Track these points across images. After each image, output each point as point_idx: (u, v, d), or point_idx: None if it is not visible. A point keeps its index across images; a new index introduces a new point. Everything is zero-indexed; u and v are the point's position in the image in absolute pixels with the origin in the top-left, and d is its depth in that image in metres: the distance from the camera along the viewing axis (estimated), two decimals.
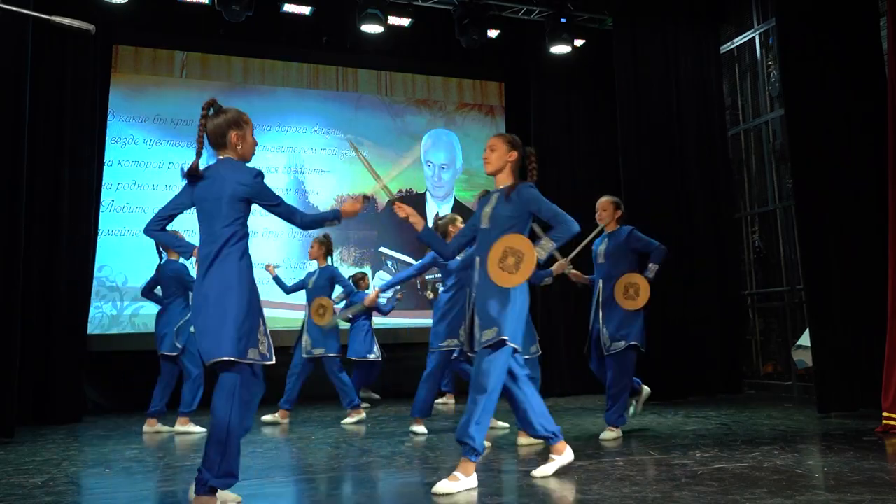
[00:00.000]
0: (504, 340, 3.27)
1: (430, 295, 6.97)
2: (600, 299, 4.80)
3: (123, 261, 7.42)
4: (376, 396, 7.53)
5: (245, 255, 3.00)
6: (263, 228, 7.96)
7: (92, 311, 6.95)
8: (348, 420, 5.87)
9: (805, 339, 6.08)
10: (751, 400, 6.81)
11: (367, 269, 8.10)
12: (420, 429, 5.12)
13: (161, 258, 5.84)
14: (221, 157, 3.12)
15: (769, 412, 5.71)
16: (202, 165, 3.10)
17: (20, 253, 5.31)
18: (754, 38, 7.65)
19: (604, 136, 8.19)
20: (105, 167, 7.20)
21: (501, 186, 3.59)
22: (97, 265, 7.10)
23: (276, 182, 8.10)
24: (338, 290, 6.30)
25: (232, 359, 2.86)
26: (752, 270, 7.67)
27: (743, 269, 7.72)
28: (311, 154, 8.25)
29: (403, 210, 3.62)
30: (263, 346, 3.00)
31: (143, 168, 7.66)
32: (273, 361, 3.03)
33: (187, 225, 7.88)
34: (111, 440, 5.12)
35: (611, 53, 7.68)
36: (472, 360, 3.46)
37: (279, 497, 3.34)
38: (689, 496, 2.91)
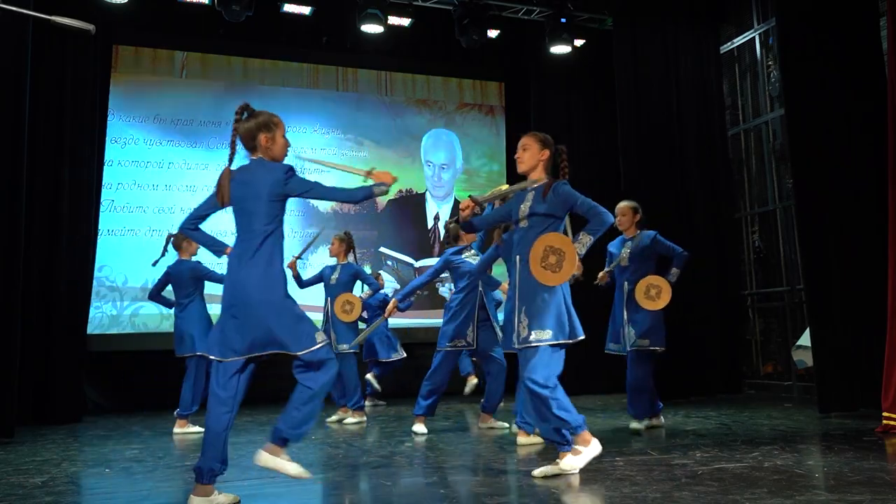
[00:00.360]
0: (558, 343, 3.39)
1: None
2: (625, 300, 4.97)
3: (123, 261, 7.42)
4: (382, 403, 7.51)
5: (281, 252, 3.14)
6: None
7: (92, 311, 6.95)
8: (350, 420, 5.86)
9: (805, 339, 6.08)
10: (751, 400, 6.81)
11: (367, 270, 8.10)
12: (420, 428, 5.12)
13: (161, 257, 5.68)
14: (254, 158, 3.20)
15: (769, 412, 5.71)
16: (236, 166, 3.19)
17: (20, 253, 5.31)
18: (754, 38, 7.65)
19: (604, 136, 8.19)
20: (105, 167, 7.21)
21: (537, 185, 3.64)
22: (97, 265, 7.10)
23: None
24: (362, 288, 6.31)
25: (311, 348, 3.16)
26: (752, 270, 7.67)
27: (743, 269, 7.72)
28: (311, 154, 8.24)
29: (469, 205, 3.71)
30: None
31: (143, 168, 7.66)
32: None
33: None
34: (111, 440, 5.12)
35: (611, 53, 7.69)
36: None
37: (279, 497, 3.34)
38: (689, 496, 2.91)
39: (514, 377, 6.98)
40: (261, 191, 3.07)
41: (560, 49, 7.81)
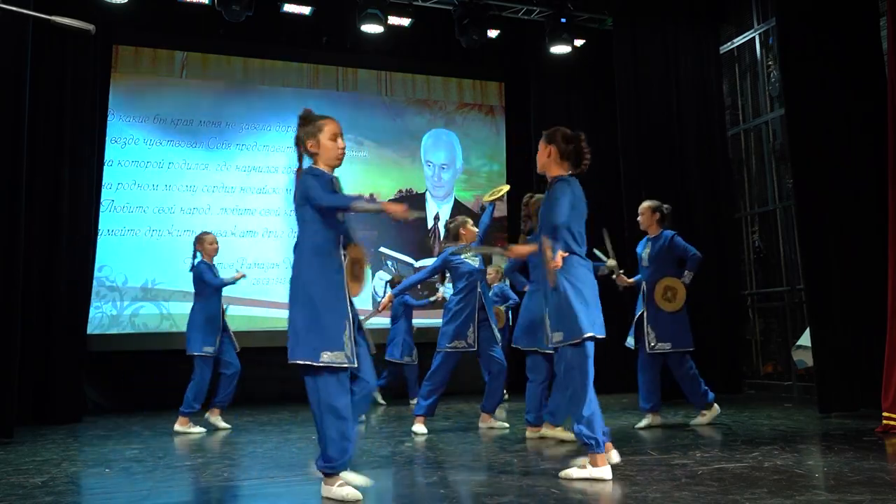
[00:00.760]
0: (585, 338, 3.36)
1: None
2: (645, 300, 5.11)
3: (123, 261, 7.42)
4: (383, 403, 7.51)
5: (318, 255, 3.15)
6: (263, 228, 7.97)
7: (92, 311, 6.95)
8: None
9: (805, 339, 6.08)
10: (751, 400, 6.81)
11: (367, 270, 8.10)
12: (421, 428, 5.12)
13: (194, 258, 5.78)
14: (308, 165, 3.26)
15: (769, 412, 5.71)
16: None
17: (20, 253, 5.31)
18: (754, 38, 7.65)
19: (604, 136, 8.18)
20: (105, 167, 7.20)
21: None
22: (97, 265, 7.10)
23: (276, 182, 8.11)
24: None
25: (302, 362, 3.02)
26: (752, 270, 7.67)
27: (743, 269, 7.71)
28: None
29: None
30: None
31: (143, 168, 7.66)
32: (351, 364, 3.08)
33: (188, 225, 7.92)
34: (111, 440, 5.12)
35: (611, 53, 7.69)
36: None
37: (279, 497, 3.34)
38: (689, 496, 2.91)
39: (514, 376, 7.01)
40: (295, 197, 3.19)
41: (560, 49, 7.81)
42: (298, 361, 2.99)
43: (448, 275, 5.47)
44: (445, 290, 5.71)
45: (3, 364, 5.08)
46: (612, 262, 4.71)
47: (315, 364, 2.97)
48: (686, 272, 5.09)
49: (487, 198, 5.65)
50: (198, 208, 7.79)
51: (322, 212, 3.11)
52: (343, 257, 3.17)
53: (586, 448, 3.35)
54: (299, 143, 3.29)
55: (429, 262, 8.26)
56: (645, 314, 5.09)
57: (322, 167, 3.24)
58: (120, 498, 3.30)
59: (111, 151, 7.43)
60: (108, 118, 7.32)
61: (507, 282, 7.70)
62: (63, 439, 5.20)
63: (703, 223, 7.47)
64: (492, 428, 5.27)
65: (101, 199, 7.10)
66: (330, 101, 8.38)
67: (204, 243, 5.79)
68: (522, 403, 5.00)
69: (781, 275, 7.24)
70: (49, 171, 6.53)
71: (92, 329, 7.03)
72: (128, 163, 7.61)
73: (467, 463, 3.92)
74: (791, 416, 5.44)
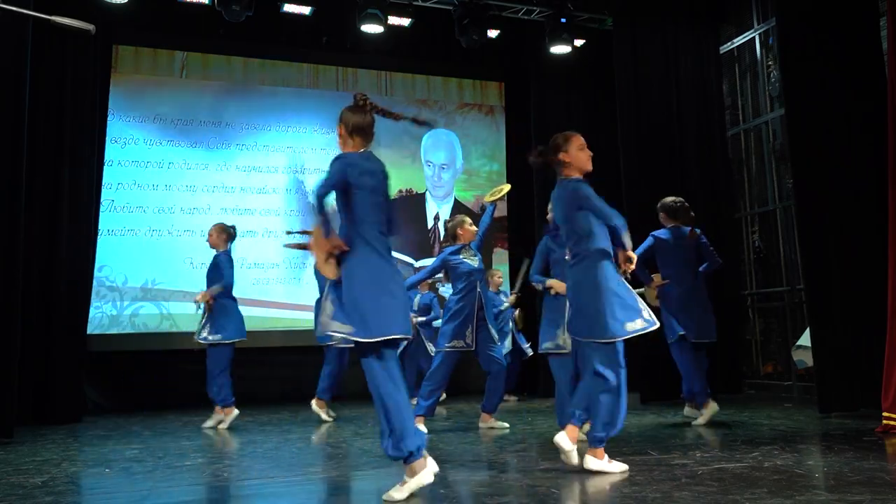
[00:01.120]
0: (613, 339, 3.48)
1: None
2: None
3: (123, 261, 7.42)
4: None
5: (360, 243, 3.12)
6: (263, 229, 7.97)
7: (92, 311, 6.95)
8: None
9: (805, 339, 6.08)
10: (751, 400, 6.81)
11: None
12: (421, 428, 5.11)
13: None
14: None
15: (769, 412, 5.71)
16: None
17: (20, 253, 5.30)
18: (754, 38, 7.65)
19: (604, 136, 8.18)
20: (105, 167, 7.21)
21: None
22: (97, 265, 7.10)
23: (276, 182, 8.11)
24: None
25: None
26: (752, 270, 7.67)
27: (743, 269, 7.71)
28: (311, 154, 8.24)
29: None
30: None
31: (143, 168, 7.66)
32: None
33: (188, 225, 7.93)
34: (111, 440, 5.12)
35: (611, 53, 7.68)
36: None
37: (279, 497, 3.34)
38: (689, 496, 2.91)
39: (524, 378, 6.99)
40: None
41: (560, 49, 7.81)
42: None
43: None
44: (445, 289, 5.71)
45: (3, 364, 5.08)
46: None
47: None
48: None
49: (488, 198, 5.66)
50: (198, 208, 7.78)
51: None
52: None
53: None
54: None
55: (429, 262, 8.27)
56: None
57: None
58: (120, 498, 3.30)
59: (111, 151, 7.43)
60: (108, 118, 7.32)
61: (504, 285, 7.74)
62: (63, 439, 5.20)
63: (703, 223, 7.45)
64: (492, 428, 5.27)
65: (101, 199, 7.10)
66: (330, 101, 8.37)
67: (220, 233, 5.93)
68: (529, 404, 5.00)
69: (781, 275, 7.24)
70: (49, 171, 6.53)
71: (92, 329, 7.03)
72: (128, 163, 7.61)
73: (467, 463, 3.92)
74: (791, 416, 5.44)
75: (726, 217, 7.64)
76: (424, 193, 8.74)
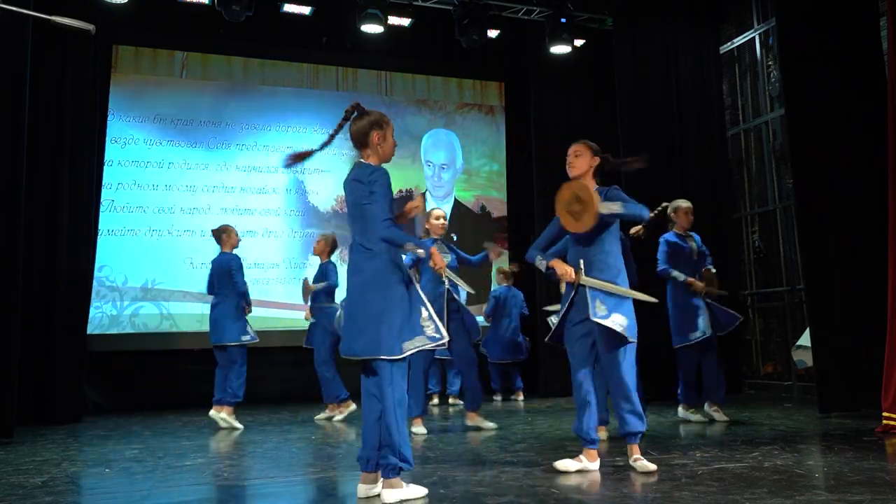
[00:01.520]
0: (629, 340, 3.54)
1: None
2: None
3: (123, 261, 7.42)
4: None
5: (387, 254, 3.13)
6: (263, 228, 7.97)
7: (92, 311, 6.95)
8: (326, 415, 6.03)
9: (805, 339, 6.08)
10: (751, 400, 6.81)
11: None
12: (420, 429, 5.11)
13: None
14: (361, 159, 3.26)
15: (769, 412, 5.71)
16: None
17: (20, 253, 5.30)
18: (754, 38, 7.65)
19: (604, 136, 8.14)
20: (105, 167, 7.20)
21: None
22: (97, 265, 7.10)
23: (276, 182, 8.11)
24: None
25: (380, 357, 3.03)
26: (752, 270, 7.67)
27: (743, 269, 7.71)
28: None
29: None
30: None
31: (143, 168, 7.66)
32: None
33: (188, 225, 7.93)
34: (111, 440, 5.12)
35: (611, 53, 7.69)
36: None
37: (279, 497, 3.34)
38: (689, 496, 2.91)
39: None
40: (354, 196, 3.17)
41: (560, 49, 7.81)
42: (383, 357, 3.02)
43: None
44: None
45: (3, 364, 5.08)
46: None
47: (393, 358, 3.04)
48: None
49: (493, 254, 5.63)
50: (198, 208, 7.79)
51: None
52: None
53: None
54: (361, 132, 3.27)
55: None
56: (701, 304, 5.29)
57: (374, 160, 3.25)
58: (120, 498, 3.30)
59: (111, 151, 7.42)
60: (108, 118, 7.32)
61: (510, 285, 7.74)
62: (63, 439, 5.20)
63: (703, 223, 7.45)
64: (480, 428, 5.23)
65: (101, 199, 7.10)
66: (330, 101, 8.38)
67: (232, 234, 5.98)
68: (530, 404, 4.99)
69: (781, 275, 7.24)
70: (49, 171, 6.53)
71: (92, 329, 7.03)
72: (128, 163, 7.61)
73: (467, 463, 3.92)
74: (791, 416, 5.44)
75: (726, 217, 7.64)
76: (424, 193, 8.73)
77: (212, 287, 5.96)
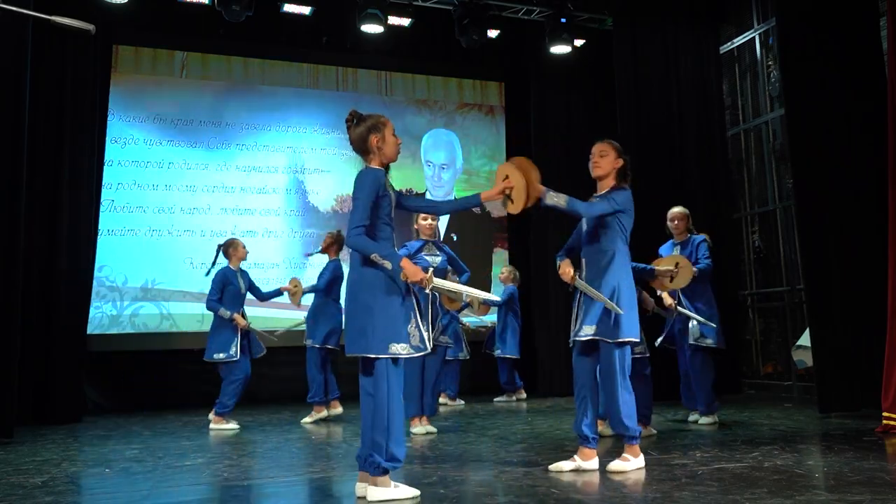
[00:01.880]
0: (626, 341, 3.55)
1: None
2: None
3: (123, 261, 7.42)
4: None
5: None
6: (263, 229, 7.97)
7: (92, 311, 6.95)
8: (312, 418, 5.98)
9: (805, 339, 6.08)
10: (751, 400, 6.81)
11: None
12: (419, 429, 5.11)
13: (212, 267, 5.91)
14: (365, 165, 3.25)
15: (769, 412, 5.71)
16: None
17: (20, 253, 5.30)
18: (754, 38, 7.65)
19: (604, 136, 8.10)
20: (105, 167, 7.20)
21: (604, 191, 3.78)
22: (97, 265, 7.09)
23: (276, 182, 8.11)
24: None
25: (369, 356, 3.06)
26: (752, 270, 7.67)
27: (743, 269, 7.72)
28: (311, 154, 8.25)
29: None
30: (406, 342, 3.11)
31: (143, 168, 7.66)
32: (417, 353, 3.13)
33: (188, 225, 7.93)
34: (111, 440, 5.12)
35: (611, 53, 7.69)
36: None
37: (279, 497, 3.34)
38: (689, 496, 2.91)
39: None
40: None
41: (560, 49, 7.81)
42: (370, 356, 3.04)
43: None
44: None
45: (3, 364, 5.08)
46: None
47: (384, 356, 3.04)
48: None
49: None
50: (198, 208, 7.79)
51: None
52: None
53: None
54: (360, 138, 3.25)
55: None
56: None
57: (376, 164, 3.24)
58: (120, 498, 3.30)
59: (111, 151, 7.42)
60: (108, 118, 7.31)
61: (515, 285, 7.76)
62: (63, 439, 5.20)
63: (703, 223, 7.46)
64: (428, 432, 5.13)
65: (101, 199, 7.10)
66: (330, 101, 8.38)
67: (238, 248, 5.98)
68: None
69: (781, 275, 7.24)
70: (49, 171, 6.53)
71: (92, 329, 7.03)
72: (128, 163, 7.61)
73: (467, 463, 3.92)
74: (791, 416, 5.44)
75: (726, 217, 7.64)
76: (424, 193, 8.73)
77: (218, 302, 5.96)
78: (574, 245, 3.84)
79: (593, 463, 3.60)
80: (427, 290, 3.25)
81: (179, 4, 7.37)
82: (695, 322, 5.11)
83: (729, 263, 7.59)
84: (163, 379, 7.40)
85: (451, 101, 9.02)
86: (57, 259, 6.47)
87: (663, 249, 5.38)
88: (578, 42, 8.10)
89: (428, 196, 8.74)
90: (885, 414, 4.48)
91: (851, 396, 5.31)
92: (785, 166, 7.03)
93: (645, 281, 4.78)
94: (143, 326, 7.44)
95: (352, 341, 3.10)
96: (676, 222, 5.36)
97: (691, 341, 5.16)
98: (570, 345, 3.75)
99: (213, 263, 5.91)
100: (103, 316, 7.30)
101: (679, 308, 5.12)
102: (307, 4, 7.69)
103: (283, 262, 7.97)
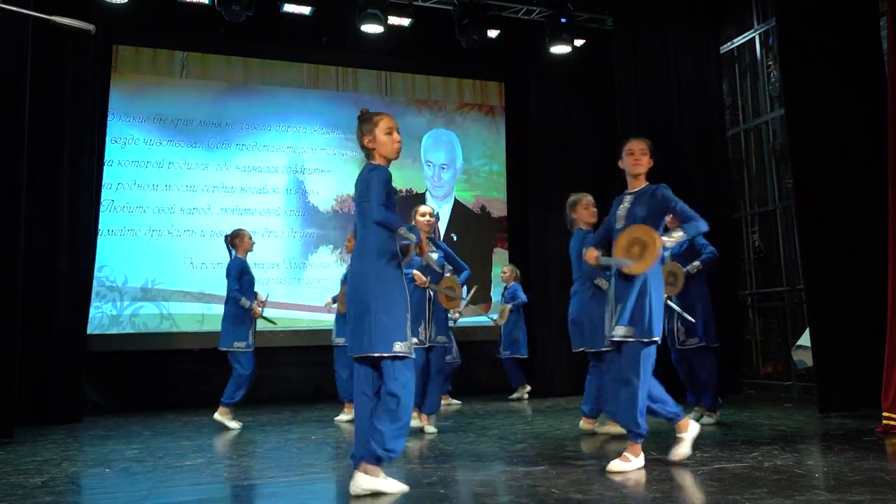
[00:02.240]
0: (651, 340, 3.57)
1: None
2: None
3: (123, 261, 7.42)
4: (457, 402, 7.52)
5: (385, 254, 3.15)
6: (263, 228, 7.97)
7: (92, 311, 6.94)
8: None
9: (805, 339, 6.08)
10: (751, 400, 6.81)
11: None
12: (421, 425, 5.11)
13: (230, 255, 5.94)
14: (367, 162, 3.29)
15: (769, 412, 5.71)
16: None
17: (20, 253, 5.30)
18: (754, 38, 7.65)
19: (604, 136, 8.19)
20: (105, 167, 7.20)
21: (638, 188, 3.88)
22: (97, 265, 7.09)
23: (276, 182, 8.11)
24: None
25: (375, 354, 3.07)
26: (752, 270, 7.67)
27: (743, 269, 7.71)
28: (311, 154, 8.25)
29: None
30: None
31: (143, 168, 7.66)
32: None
33: (188, 225, 7.93)
34: (111, 440, 5.12)
35: (611, 53, 7.68)
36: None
37: (279, 497, 3.34)
38: (688, 496, 2.90)
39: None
40: (360, 191, 3.19)
41: (560, 49, 7.81)
42: (384, 354, 3.05)
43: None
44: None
45: (3, 364, 5.08)
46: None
47: (395, 355, 3.05)
48: (696, 263, 5.16)
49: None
50: (198, 208, 7.79)
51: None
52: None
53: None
54: (359, 140, 3.33)
55: None
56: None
57: (379, 161, 3.26)
58: (120, 498, 3.30)
59: (111, 151, 7.42)
60: (108, 118, 7.31)
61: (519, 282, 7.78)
62: (63, 439, 5.20)
63: None
64: (426, 431, 5.12)
65: (101, 199, 7.10)
66: (330, 101, 8.38)
67: (244, 239, 5.97)
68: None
69: (781, 275, 7.24)
70: (49, 171, 6.53)
71: (92, 329, 7.03)
72: (128, 163, 7.61)
73: (467, 463, 3.92)
74: (791, 416, 5.44)
75: (726, 217, 7.64)
76: (424, 193, 8.74)
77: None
78: (601, 242, 3.97)
79: (694, 427, 3.75)
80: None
81: (179, 4, 7.37)
82: (680, 322, 5.11)
83: (729, 263, 7.59)
84: (163, 379, 7.40)
85: (451, 101, 9.02)
86: (57, 259, 6.47)
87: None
88: (578, 42, 8.10)
89: (428, 196, 8.75)
90: (885, 414, 4.48)
91: (851, 396, 5.31)
92: (785, 166, 7.03)
93: None
94: (143, 326, 7.44)
95: (356, 341, 3.11)
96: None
97: (677, 344, 5.17)
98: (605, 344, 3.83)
99: (230, 255, 5.96)
100: (103, 316, 7.30)
101: (668, 302, 5.12)
102: (307, 4, 7.69)
103: (284, 262, 7.97)
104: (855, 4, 5.56)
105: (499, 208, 9.01)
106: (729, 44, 7.96)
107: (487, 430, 5.24)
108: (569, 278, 5.14)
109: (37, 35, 5.76)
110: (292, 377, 7.84)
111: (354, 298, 3.15)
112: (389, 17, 7.43)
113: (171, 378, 7.43)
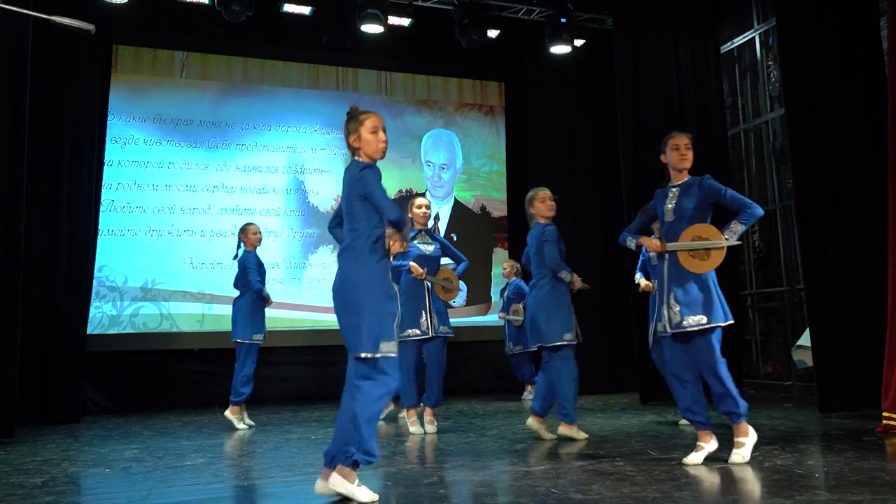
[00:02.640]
0: (715, 326, 3.63)
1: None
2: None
3: (123, 261, 7.42)
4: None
5: (374, 253, 3.14)
6: (263, 228, 7.95)
7: (92, 311, 6.94)
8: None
9: (805, 339, 6.08)
10: (751, 400, 6.79)
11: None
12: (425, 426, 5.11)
13: (238, 250, 5.98)
14: (353, 159, 3.28)
15: (769, 412, 5.71)
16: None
17: (20, 253, 5.30)
18: (754, 38, 7.65)
19: (603, 135, 8.19)
20: (105, 167, 7.19)
21: (682, 181, 3.98)
22: (97, 265, 7.09)
23: (276, 182, 8.11)
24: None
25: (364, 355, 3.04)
26: (752, 270, 7.67)
27: (743, 269, 7.72)
28: (311, 154, 8.25)
29: None
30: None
31: (143, 168, 7.66)
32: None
33: (188, 225, 7.93)
34: (111, 440, 5.12)
35: (611, 53, 7.68)
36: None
37: (279, 497, 3.34)
38: (689, 496, 2.91)
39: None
40: (349, 193, 3.16)
41: (560, 49, 7.81)
42: (367, 355, 3.04)
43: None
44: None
45: (3, 364, 5.08)
46: None
47: (374, 355, 3.03)
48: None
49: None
50: (198, 208, 7.79)
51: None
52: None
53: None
54: (345, 139, 3.33)
55: None
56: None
57: (364, 160, 3.24)
58: (120, 498, 3.30)
59: (111, 151, 7.42)
60: (108, 118, 7.31)
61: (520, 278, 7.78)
62: (63, 439, 5.20)
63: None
64: (425, 432, 5.11)
65: (101, 199, 7.09)
66: (330, 101, 8.38)
67: (248, 234, 5.98)
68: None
69: (781, 275, 7.24)
70: (49, 171, 6.53)
71: (92, 329, 7.03)
72: (128, 163, 7.61)
73: (467, 463, 3.92)
74: (791, 416, 5.44)
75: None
76: (424, 193, 8.73)
77: (236, 284, 6.03)
78: (638, 231, 4.08)
79: (713, 444, 3.78)
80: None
81: (179, 4, 7.37)
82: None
83: (729, 263, 7.58)
84: (163, 379, 7.40)
85: (451, 101, 9.02)
86: (57, 259, 6.47)
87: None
88: (578, 42, 8.10)
89: (428, 196, 8.75)
90: (885, 414, 4.48)
91: (851, 396, 5.31)
92: (785, 166, 7.03)
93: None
94: (143, 326, 7.44)
95: (346, 339, 3.11)
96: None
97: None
98: (659, 335, 3.83)
99: (237, 249, 6.00)
100: (103, 316, 7.30)
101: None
102: (307, 4, 7.69)
103: (284, 262, 7.97)
104: (855, 4, 5.56)
105: (499, 208, 9.01)
106: (729, 44, 7.96)
107: (487, 430, 5.24)
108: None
109: (37, 35, 5.76)
110: (292, 377, 7.84)
111: (341, 297, 3.12)
112: (389, 17, 7.43)
113: (171, 378, 7.43)
